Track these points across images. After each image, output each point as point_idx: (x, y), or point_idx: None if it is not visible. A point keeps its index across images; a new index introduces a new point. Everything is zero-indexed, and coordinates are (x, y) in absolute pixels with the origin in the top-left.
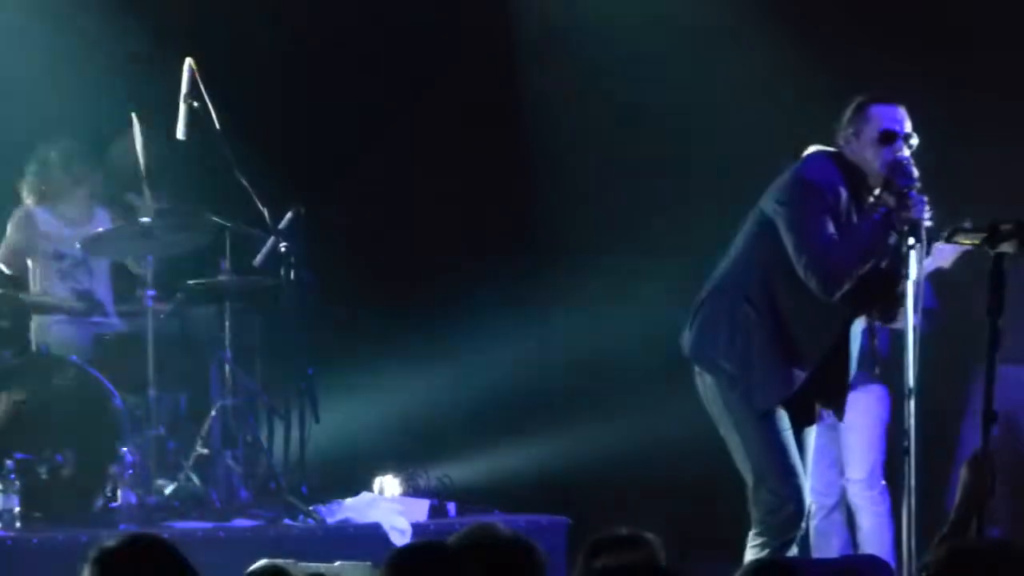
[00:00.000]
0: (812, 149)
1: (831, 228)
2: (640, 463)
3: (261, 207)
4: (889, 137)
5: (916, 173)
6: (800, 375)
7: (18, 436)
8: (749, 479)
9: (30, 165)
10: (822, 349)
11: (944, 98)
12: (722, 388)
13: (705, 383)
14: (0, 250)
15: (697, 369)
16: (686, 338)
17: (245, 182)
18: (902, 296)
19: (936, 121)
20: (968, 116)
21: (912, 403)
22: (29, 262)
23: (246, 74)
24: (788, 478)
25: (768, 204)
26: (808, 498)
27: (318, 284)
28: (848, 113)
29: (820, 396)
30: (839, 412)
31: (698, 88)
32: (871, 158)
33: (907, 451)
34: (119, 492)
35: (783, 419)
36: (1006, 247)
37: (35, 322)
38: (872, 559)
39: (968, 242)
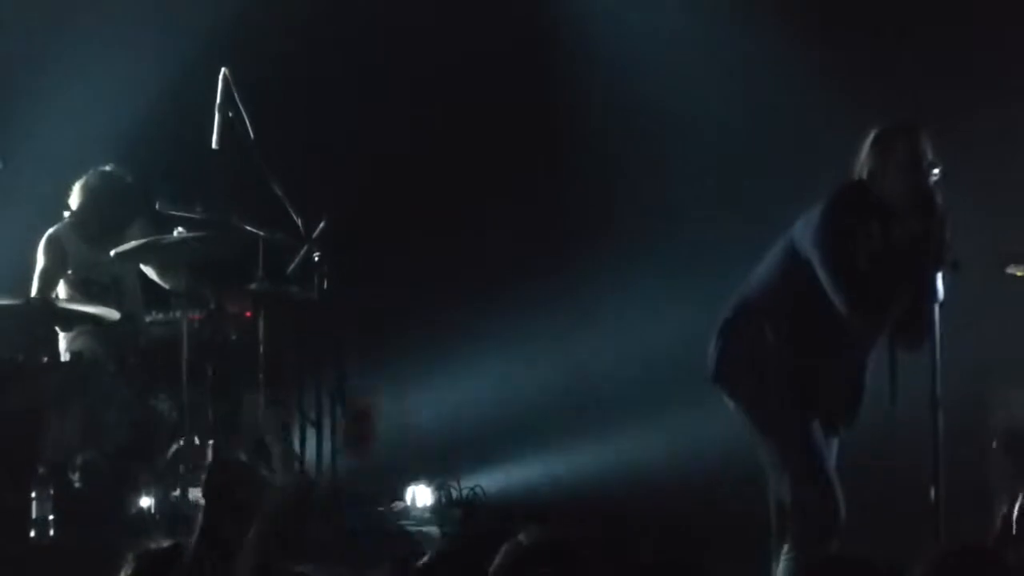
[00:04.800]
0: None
1: (865, 267)
2: (664, 476)
3: (295, 216)
4: (914, 165)
5: (940, 199)
6: (816, 400)
7: (52, 443)
8: (786, 492)
9: (78, 190)
10: (841, 382)
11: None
12: (743, 411)
13: (732, 404)
14: (35, 284)
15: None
16: (710, 358)
17: (279, 191)
18: (930, 322)
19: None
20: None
21: (940, 416)
22: (60, 284)
23: (279, 84)
24: (825, 487)
25: (802, 241)
26: (844, 508)
27: (353, 293)
28: (868, 144)
29: (831, 411)
30: (849, 424)
31: (738, 84)
32: (896, 187)
33: (936, 464)
34: (153, 499)
35: (816, 429)
36: None
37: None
38: None
39: (1020, 272)
